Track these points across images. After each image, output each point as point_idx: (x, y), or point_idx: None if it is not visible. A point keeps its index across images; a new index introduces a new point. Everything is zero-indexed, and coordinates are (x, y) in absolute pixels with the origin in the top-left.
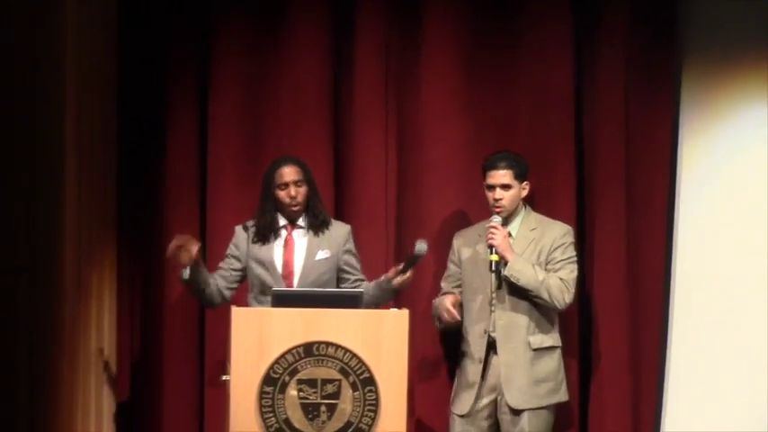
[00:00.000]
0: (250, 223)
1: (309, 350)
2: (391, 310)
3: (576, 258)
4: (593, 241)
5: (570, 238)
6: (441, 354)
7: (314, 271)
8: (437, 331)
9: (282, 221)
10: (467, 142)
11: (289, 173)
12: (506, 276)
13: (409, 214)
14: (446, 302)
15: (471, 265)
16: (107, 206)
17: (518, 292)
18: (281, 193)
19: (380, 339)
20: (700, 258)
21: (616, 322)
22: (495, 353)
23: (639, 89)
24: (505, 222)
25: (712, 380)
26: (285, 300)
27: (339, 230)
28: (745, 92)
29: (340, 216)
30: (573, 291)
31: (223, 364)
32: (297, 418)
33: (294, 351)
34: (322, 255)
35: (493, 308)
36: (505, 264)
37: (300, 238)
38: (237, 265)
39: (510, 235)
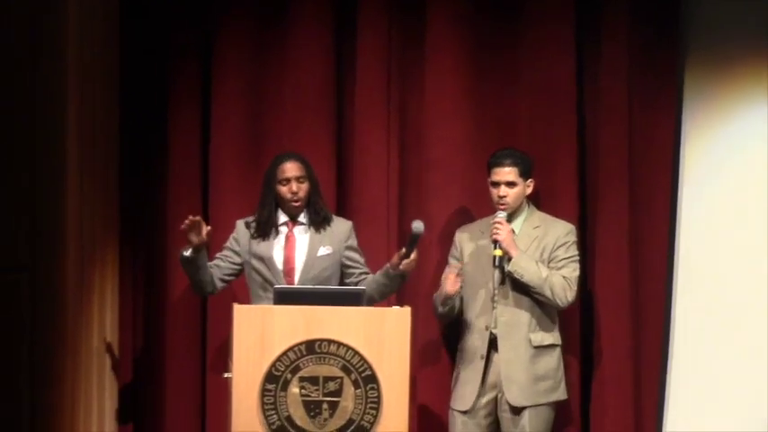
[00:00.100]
0: (251, 219)
1: (311, 348)
2: (393, 307)
3: (578, 257)
4: (596, 240)
5: (573, 237)
6: (442, 351)
7: (315, 267)
8: (438, 326)
9: (283, 218)
10: (469, 141)
11: (291, 168)
12: (510, 272)
13: (411, 213)
14: (449, 274)
15: (474, 260)
16: (109, 204)
17: (520, 289)
18: (283, 189)
19: (382, 337)
20: (702, 257)
21: (618, 321)
22: (496, 350)
23: (642, 88)
24: (509, 219)
25: (714, 379)
26: (287, 297)
27: (341, 227)
28: (748, 90)
29: (341, 214)
30: (575, 289)
31: (225, 362)
32: (299, 415)
33: (296, 348)
34: (324, 251)
35: (495, 304)
36: (509, 259)
37: (302, 234)
38: (236, 258)
39: (513, 232)
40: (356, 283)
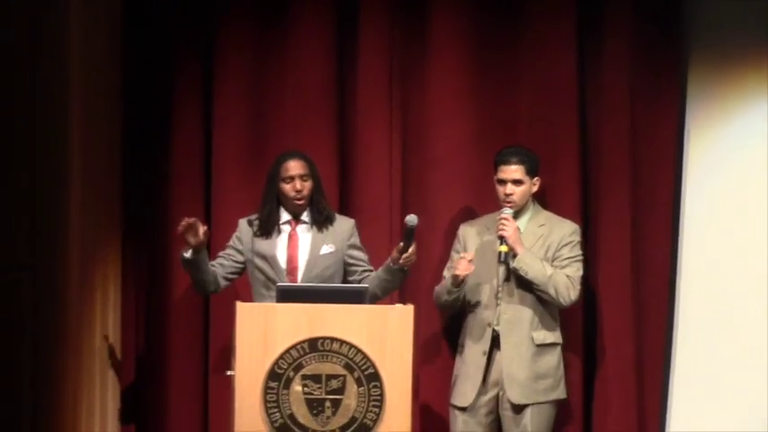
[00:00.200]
0: (254, 217)
1: (314, 345)
2: (396, 305)
3: (582, 257)
4: (598, 239)
5: (578, 237)
6: (445, 347)
7: (318, 266)
8: (441, 322)
9: (286, 216)
10: (471, 139)
11: (295, 166)
12: (515, 269)
13: (414, 211)
14: (461, 259)
15: (479, 256)
16: (111, 203)
17: (524, 287)
18: (287, 187)
19: (385, 335)
20: (705, 255)
21: (620, 320)
22: (498, 347)
23: (644, 86)
24: (514, 217)
25: (718, 378)
26: (290, 295)
27: (343, 225)
28: (751, 89)
29: (344, 212)
30: (579, 288)
31: (228, 360)
32: (301, 413)
33: (299, 346)
34: (326, 249)
35: (498, 300)
36: (514, 256)
37: (304, 233)
38: (239, 257)
39: (518, 229)
40: (359, 281)
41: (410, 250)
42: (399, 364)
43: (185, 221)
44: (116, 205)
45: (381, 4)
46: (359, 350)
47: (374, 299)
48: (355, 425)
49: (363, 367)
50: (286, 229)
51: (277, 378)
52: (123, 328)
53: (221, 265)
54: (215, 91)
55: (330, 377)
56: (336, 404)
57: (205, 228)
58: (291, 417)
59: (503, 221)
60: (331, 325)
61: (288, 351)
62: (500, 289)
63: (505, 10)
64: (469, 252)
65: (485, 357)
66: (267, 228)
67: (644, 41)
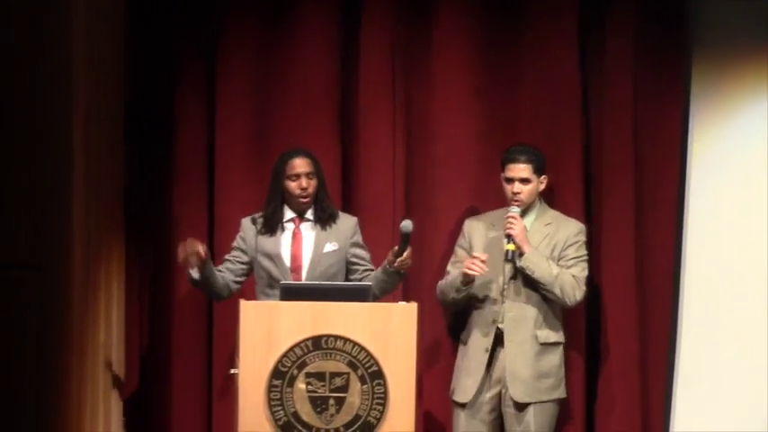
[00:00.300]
0: (258, 215)
1: (318, 343)
2: (399, 303)
3: (587, 258)
4: (602, 237)
5: (583, 237)
6: (448, 345)
7: (322, 264)
8: (444, 320)
9: (290, 214)
10: (475, 137)
11: (300, 164)
12: (522, 267)
13: (417, 208)
14: (474, 259)
15: (484, 252)
16: (114, 202)
17: (530, 285)
18: (292, 185)
19: (389, 333)
20: (710, 253)
21: (624, 318)
22: (502, 345)
23: (648, 84)
24: (521, 215)
25: (722, 378)
26: (293, 293)
27: (346, 223)
28: (755, 86)
29: (347, 210)
30: (584, 289)
31: (231, 358)
32: (305, 411)
33: (302, 344)
34: (330, 247)
35: (504, 298)
36: (521, 255)
37: (308, 231)
38: (244, 258)
39: (525, 228)
40: (360, 280)
41: (405, 255)
42: (403, 362)
43: (182, 250)
44: (119, 204)
45: (384, 2)
46: (362, 348)
47: (374, 298)
48: (359, 422)
49: (367, 365)
50: (290, 226)
51: (281, 376)
52: (127, 327)
53: (229, 270)
54: (218, 89)
55: (334, 375)
56: (340, 402)
57: (204, 245)
58: (295, 415)
59: (510, 220)
60: (335, 323)
61: (291, 349)
62: (505, 287)
63: (509, 9)
64: (483, 253)
65: (487, 354)
66: (271, 225)
67: (647, 40)
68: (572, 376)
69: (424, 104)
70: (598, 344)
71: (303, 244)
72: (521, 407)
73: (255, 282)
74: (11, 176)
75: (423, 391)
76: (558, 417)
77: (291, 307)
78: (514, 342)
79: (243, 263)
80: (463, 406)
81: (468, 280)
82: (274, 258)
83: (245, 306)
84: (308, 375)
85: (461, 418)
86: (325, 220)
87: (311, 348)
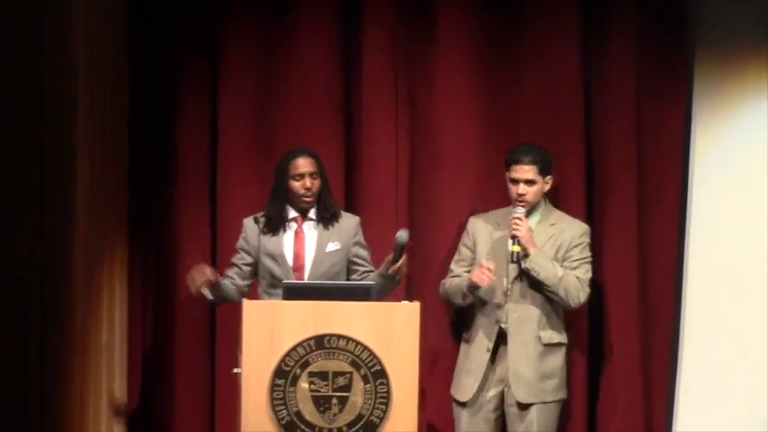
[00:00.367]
0: (260, 214)
1: (321, 343)
2: (402, 302)
3: (591, 259)
4: (604, 236)
5: (587, 239)
6: (452, 345)
7: (324, 263)
8: (448, 319)
9: (293, 213)
10: (478, 136)
11: (304, 164)
12: (527, 269)
13: (420, 207)
14: (484, 267)
15: (488, 253)
16: (118, 201)
17: (534, 286)
18: (296, 184)
19: (392, 332)
20: (712, 252)
21: (627, 318)
22: (505, 344)
23: (650, 83)
24: (525, 215)
25: (725, 377)
26: (296, 292)
27: (349, 222)
28: (757, 85)
29: (350, 208)
30: (588, 291)
31: (234, 358)
32: (308, 410)
33: (305, 344)
34: (332, 247)
35: (507, 299)
36: (526, 256)
37: (311, 230)
38: (249, 259)
39: (530, 229)
40: (359, 281)
41: (399, 263)
42: (406, 361)
43: (191, 282)
44: (122, 203)
45: (385, 2)
46: (365, 347)
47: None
48: (362, 422)
49: (370, 364)
50: (292, 226)
51: (284, 375)
52: (130, 326)
53: (237, 275)
54: (220, 88)
55: (337, 374)
56: (343, 401)
57: (210, 268)
58: (298, 414)
59: (516, 221)
60: (337, 322)
61: (294, 348)
62: (510, 287)
63: (510, 8)
64: (490, 261)
65: (489, 354)
66: (274, 225)
67: (649, 39)
68: (574, 376)
69: (426, 104)
70: (600, 343)
71: (306, 243)
72: (523, 406)
73: (258, 281)
74: (13, 176)
75: (426, 390)
76: (560, 417)
77: (294, 306)
78: (518, 343)
79: (249, 264)
80: (464, 405)
81: (474, 287)
82: (277, 258)
83: (248, 305)
84: (311, 375)
85: (463, 417)
86: (327, 219)
87: (314, 348)
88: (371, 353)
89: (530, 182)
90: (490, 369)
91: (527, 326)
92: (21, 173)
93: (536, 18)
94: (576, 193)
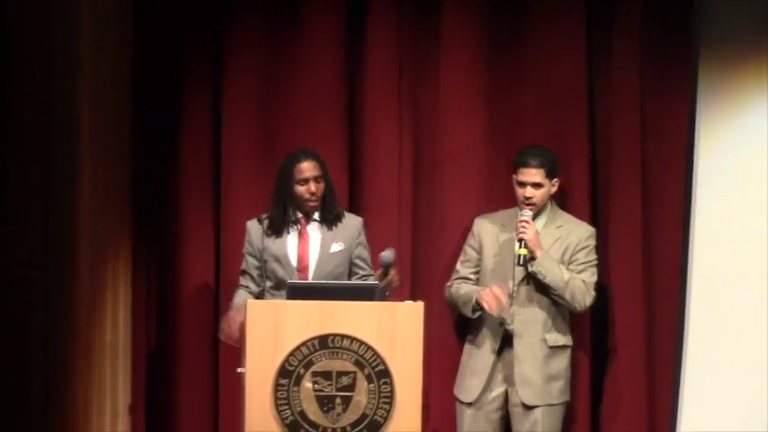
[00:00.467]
0: (263, 216)
1: (324, 342)
2: (406, 302)
3: (597, 262)
4: (608, 236)
5: (594, 241)
6: (457, 345)
7: (328, 264)
8: (452, 319)
9: (296, 215)
10: (482, 136)
11: (309, 168)
12: (533, 272)
13: (424, 207)
14: (499, 294)
15: (494, 255)
16: (122, 201)
17: (540, 289)
18: (301, 189)
19: (395, 332)
20: (717, 252)
21: (631, 318)
22: (510, 346)
23: (654, 82)
24: (532, 218)
25: (730, 378)
26: (300, 292)
27: (351, 222)
28: (762, 83)
29: (353, 208)
30: (593, 294)
31: (238, 357)
32: (312, 410)
33: (309, 343)
34: (336, 247)
35: (513, 301)
36: (532, 259)
37: (315, 231)
38: (258, 263)
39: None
40: None
41: (389, 278)
42: (409, 361)
43: (231, 332)
44: (126, 202)
45: (390, 1)
46: (369, 347)
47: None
48: (366, 421)
49: (374, 364)
50: (296, 227)
51: (287, 375)
52: (134, 326)
53: (253, 282)
54: (224, 88)
55: (340, 374)
56: (347, 401)
57: (241, 314)
58: (302, 414)
59: (523, 224)
60: (341, 322)
61: (298, 348)
62: (515, 290)
63: (515, 8)
64: (505, 288)
65: (494, 356)
66: (278, 227)
67: (653, 38)
68: (578, 377)
69: (430, 103)
70: (604, 344)
71: (310, 245)
72: (528, 407)
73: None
74: (17, 176)
75: (430, 389)
76: (564, 418)
77: (298, 306)
78: (524, 345)
79: (258, 268)
80: (468, 405)
81: (482, 307)
82: (281, 259)
83: (252, 305)
84: (315, 374)
85: (466, 417)
86: (331, 220)
87: (318, 347)
88: (375, 352)
89: (537, 185)
90: (494, 370)
91: (533, 328)
92: (24, 173)
93: (540, 17)
94: (581, 193)
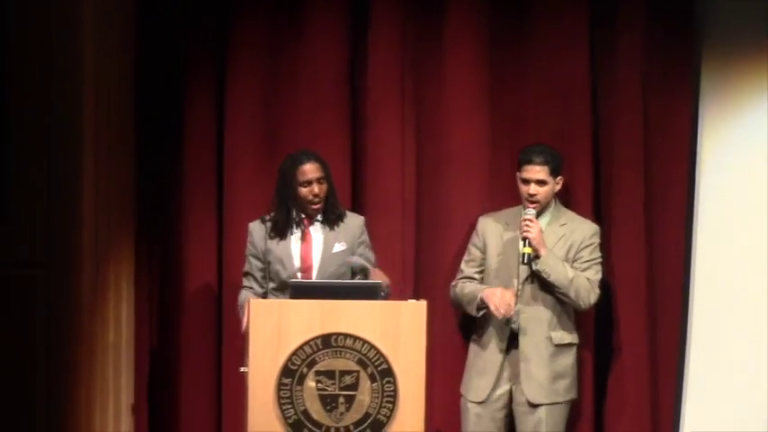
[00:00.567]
0: (266, 217)
1: (327, 341)
2: (409, 301)
3: (601, 260)
4: (611, 235)
5: (598, 239)
6: (461, 344)
7: (332, 264)
8: (456, 318)
9: (299, 216)
10: (486, 134)
11: (311, 170)
12: (538, 270)
13: (428, 205)
14: (508, 297)
15: (499, 254)
16: (125, 201)
17: (544, 287)
18: (304, 191)
19: (398, 331)
20: (720, 251)
21: (634, 318)
22: (515, 344)
23: (657, 81)
24: (535, 216)
25: (733, 377)
26: (303, 291)
27: (353, 222)
28: (765, 83)
29: (356, 207)
30: (598, 292)
31: (241, 357)
32: (315, 409)
33: (312, 342)
34: (339, 247)
35: (518, 300)
36: (537, 257)
37: (317, 232)
38: (261, 264)
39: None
40: None
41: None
42: (413, 360)
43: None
44: (129, 202)
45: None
46: (372, 346)
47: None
48: (369, 420)
49: (377, 363)
50: (299, 229)
51: (290, 374)
52: (137, 326)
53: (257, 283)
54: (227, 87)
55: (343, 373)
56: (350, 400)
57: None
58: (305, 413)
59: (527, 222)
60: (344, 321)
61: (301, 347)
62: (520, 288)
63: (518, 6)
64: (512, 292)
65: (502, 355)
66: (283, 229)
67: (656, 36)
68: (582, 375)
69: (433, 102)
70: (607, 343)
71: (313, 245)
72: (533, 405)
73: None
74: (20, 176)
75: (434, 388)
76: (569, 416)
77: (301, 305)
78: (530, 344)
79: (262, 269)
80: (475, 404)
81: (486, 306)
82: (284, 260)
83: (255, 304)
84: (318, 373)
85: (471, 417)
86: (333, 220)
87: (321, 346)
88: (378, 351)
89: (541, 182)
90: (502, 369)
91: (538, 327)
92: (27, 172)
93: (543, 16)
94: (585, 192)
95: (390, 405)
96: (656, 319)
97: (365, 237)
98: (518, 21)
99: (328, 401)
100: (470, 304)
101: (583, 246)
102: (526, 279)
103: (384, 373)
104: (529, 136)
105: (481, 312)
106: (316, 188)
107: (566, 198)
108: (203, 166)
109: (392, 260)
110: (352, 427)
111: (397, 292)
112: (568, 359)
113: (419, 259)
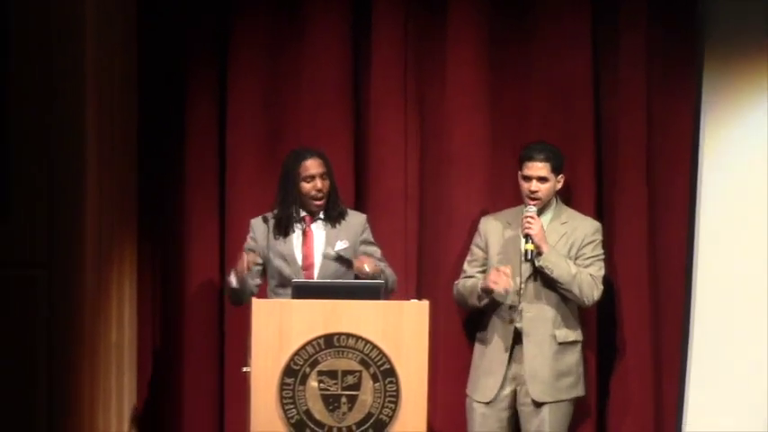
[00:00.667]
0: (269, 215)
1: (330, 341)
2: (411, 301)
3: (604, 257)
4: (614, 234)
5: (600, 236)
6: (464, 344)
7: (333, 262)
8: (459, 318)
9: (301, 213)
10: (488, 133)
11: (314, 165)
12: (540, 267)
13: (430, 204)
14: (502, 270)
15: (501, 252)
16: (127, 200)
17: (548, 285)
18: (307, 186)
19: (401, 330)
20: (722, 250)
21: (637, 317)
22: (520, 343)
23: (660, 79)
24: (537, 214)
25: (736, 377)
26: (305, 291)
27: (355, 220)
28: (767, 81)
29: (359, 205)
30: (601, 288)
31: (243, 357)
32: (317, 409)
33: (314, 342)
34: (340, 245)
35: (521, 298)
36: (539, 254)
37: (319, 229)
38: (258, 259)
39: (543, 227)
40: None
41: (360, 266)
42: (415, 360)
43: (244, 262)
44: (131, 202)
45: None
46: (375, 346)
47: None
48: (371, 420)
49: (379, 363)
50: (300, 226)
51: (293, 374)
52: (139, 326)
53: (249, 275)
54: (229, 86)
55: (346, 373)
56: (352, 400)
57: (256, 254)
58: (308, 413)
59: (528, 219)
60: (347, 321)
61: (304, 347)
62: (523, 286)
63: (520, 5)
64: (507, 266)
65: (507, 354)
66: (286, 226)
67: (659, 35)
68: (585, 374)
69: (435, 101)
70: (610, 342)
71: (314, 243)
72: (537, 404)
73: (267, 281)
74: (22, 176)
75: (438, 388)
76: (572, 415)
77: (303, 305)
78: (534, 342)
79: (258, 264)
80: (482, 404)
81: (489, 290)
82: (286, 257)
83: (257, 304)
84: (321, 373)
85: (477, 417)
86: (334, 218)
87: (323, 346)
88: (381, 351)
89: (542, 179)
90: (507, 368)
91: (542, 325)
92: (29, 172)
93: (546, 14)
94: (587, 191)
95: (393, 405)
96: (658, 317)
97: (367, 234)
98: (520, 20)
99: (331, 401)
100: (472, 295)
101: (585, 243)
102: (529, 277)
103: (386, 373)
104: (531, 135)
105: (484, 302)
106: (319, 183)
107: (568, 197)
108: (205, 165)
109: (395, 259)
110: (354, 428)
111: (399, 290)
112: (573, 357)
113: (422, 258)
